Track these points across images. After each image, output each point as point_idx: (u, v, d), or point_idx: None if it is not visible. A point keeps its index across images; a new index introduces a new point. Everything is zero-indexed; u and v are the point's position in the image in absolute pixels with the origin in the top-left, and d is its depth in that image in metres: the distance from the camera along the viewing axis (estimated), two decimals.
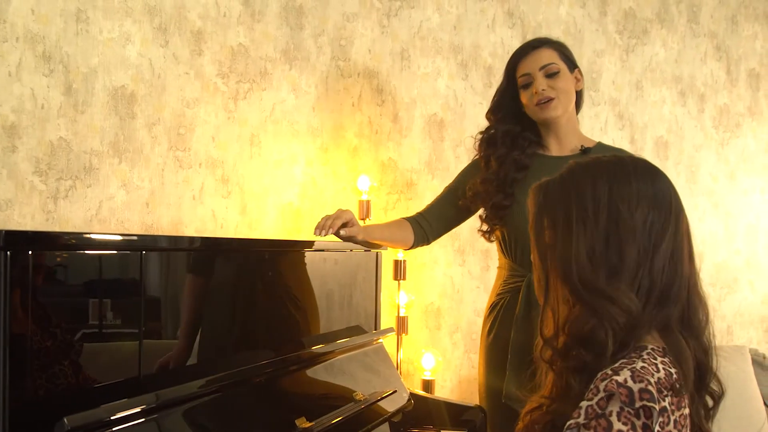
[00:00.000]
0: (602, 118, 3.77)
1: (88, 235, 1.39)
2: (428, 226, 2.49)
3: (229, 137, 2.84)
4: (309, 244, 2.18)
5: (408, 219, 2.50)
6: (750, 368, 3.64)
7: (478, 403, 2.50)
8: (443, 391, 3.33)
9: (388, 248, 2.61)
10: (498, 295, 2.44)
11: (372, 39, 3.17)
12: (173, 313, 1.59)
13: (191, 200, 2.75)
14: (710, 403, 1.37)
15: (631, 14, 3.85)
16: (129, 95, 2.63)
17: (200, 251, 1.74)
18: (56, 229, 2.47)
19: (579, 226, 1.29)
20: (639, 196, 1.30)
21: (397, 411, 2.23)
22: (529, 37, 3.47)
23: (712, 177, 4.14)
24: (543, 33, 3.55)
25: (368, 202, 2.98)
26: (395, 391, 2.23)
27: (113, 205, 2.59)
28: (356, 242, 2.30)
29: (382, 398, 2.13)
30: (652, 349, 1.25)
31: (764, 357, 3.70)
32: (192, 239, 1.78)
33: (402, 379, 2.85)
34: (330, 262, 2.26)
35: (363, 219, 2.96)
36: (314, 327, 2.12)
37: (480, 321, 3.28)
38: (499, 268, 2.52)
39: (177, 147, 2.72)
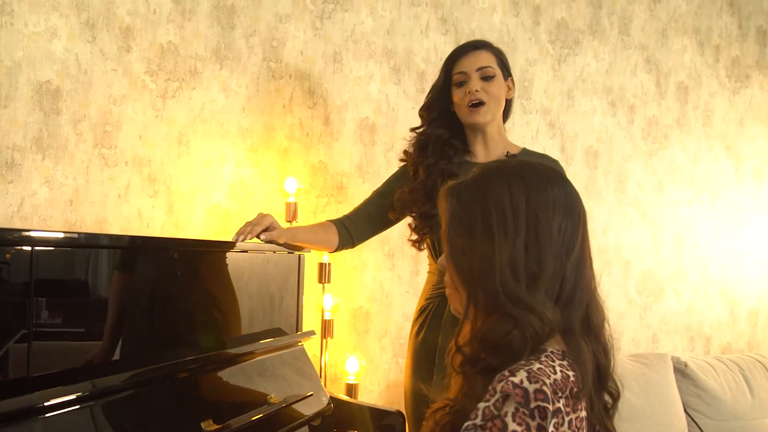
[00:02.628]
0: (533, 127, 3.81)
1: None
2: (354, 229, 2.50)
3: (156, 136, 2.80)
4: (230, 244, 2.17)
5: (334, 222, 2.51)
6: (671, 375, 3.71)
7: (403, 407, 2.51)
8: (371, 396, 3.32)
9: (312, 251, 2.61)
10: (427, 299, 2.47)
11: (304, 41, 3.16)
12: (66, 312, 1.55)
13: (116, 199, 2.72)
14: (609, 402, 1.38)
15: (563, 25, 3.90)
16: (54, 90, 2.58)
17: (116, 249, 1.72)
18: None
19: (500, 235, 1.28)
20: (554, 203, 1.30)
21: (316, 415, 2.21)
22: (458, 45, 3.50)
23: (641, 187, 4.21)
24: None
25: (295, 204, 2.97)
26: (312, 395, 2.22)
27: (35, 201, 2.55)
28: (278, 245, 2.30)
29: (298, 401, 2.11)
30: (552, 352, 1.26)
31: (686, 365, 3.77)
32: (95, 236, 1.74)
33: (326, 383, 2.84)
34: (251, 263, 2.25)
35: (290, 221, 2.95)
36: (232, 328, 2.10)
37: (408, 326, 3.29)
38: (429, 273, 2.54)
39: (103, 144, 2.68)
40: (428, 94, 2.52)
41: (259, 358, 2.14)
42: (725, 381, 3.84)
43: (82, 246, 1.61)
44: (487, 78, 2.38)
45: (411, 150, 2.50)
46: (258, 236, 2.24)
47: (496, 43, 3.46)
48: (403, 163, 2.55)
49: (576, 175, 3.92)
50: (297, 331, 2.47)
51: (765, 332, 4.78)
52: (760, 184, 4.71)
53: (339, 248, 2.49)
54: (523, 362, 1.23)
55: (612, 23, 4.08)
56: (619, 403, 1.40)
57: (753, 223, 4.68)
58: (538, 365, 1.21)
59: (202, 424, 1.66)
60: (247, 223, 2.25)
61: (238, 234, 2.21)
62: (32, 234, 1.45)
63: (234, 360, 2.03)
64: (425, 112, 2.51)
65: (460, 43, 3.45)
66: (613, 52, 4.10)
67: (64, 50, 2.60)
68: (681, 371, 3.77)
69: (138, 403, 1.61)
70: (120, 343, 1.66)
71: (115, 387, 1.55)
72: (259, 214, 2.29)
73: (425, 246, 2.49)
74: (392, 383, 3.39)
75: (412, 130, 2.53)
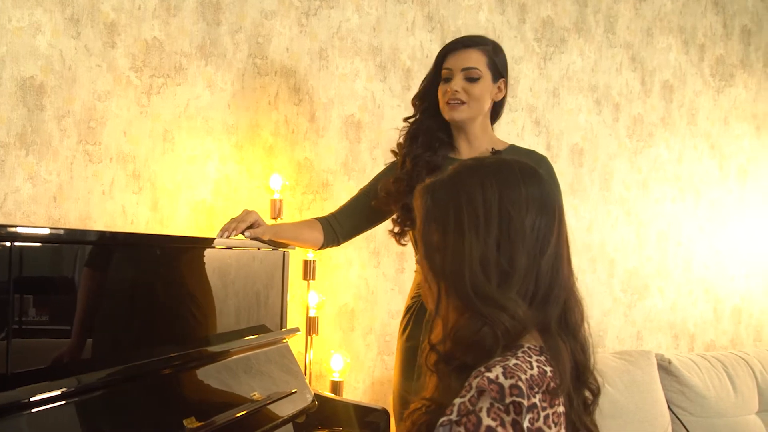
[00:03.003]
0: (519, 124, 3.82)
1: None
2: (339, 227, 2.49)
3: (141, 132, 2.79)
4: (214, 241, 2.16)
5: (319, 219, 2.50)
6: (655, 373, 3.72)
7: (389, 405, 2.51)
8: (355, 393, 3.33)
9: (297, 248, 2.60)
10: (413, 298, 2.46)
11: (290, 38, 3.15)
12: (48, 309, 1.54)
13: (101, 195, 2.71)
14: (590, 398, 1.39)
15: (549, 23, 3.91)
16: (38, 86, 2.57)
17: (99, 245, 1.71)
18: None
19: (471, 233, 1.28)
20: (528, 201, 1.30)
21: (300, 412, 2.21)
22: (448, 41, 3.50)
23: (625, 185, 4.22)
24: None
25: (280, 201, 2.96)
26: (295, 392, 2.22)
27: (19, 198, 2.53)
28: (263, 242, 2.30)
29: (281, 398, 2.11)
30: (528, 347, 1.26)
31: (669, 362, 3.78)
32: (77, 232, 1.73)
33: (311, 381, 2.84)
34: (236, 260, 2.24)
35: (275, 218, 2.94)
36: (216, 325, 2.09)
37: (393, 323, 3.30)
38: (415, 271, 2.53)
39: (87, 140, 2.67)
40: (422, 83, 2.51)
41: (243, 355, 2.14)
42: (709, 378, 3.85)
43: (64, 242, 1.60)
44: (471, 79, 2.35)
45: (403, 140, 2.49)
46: (242, 233, 2.23)
47: None
48: (391, 161, 2.55)
49: (561, 173, 3.92)
50: (281, 329, 2.46)
51: (748, 330, 4.81)
52: (743, 183, 4.74)
53: (324, 246, 2.49)
54: (499, 358, 1.23)
55: (597, 21, 4.09)
56: (599, 399, 1.40)
57: (736, 221, 4.71)
58: (514, 361, 1.22)
59: (185, 422, 1.66)
60: (232, 220, 2.24)
61: (223, 231, 2.20)
62: (11, 230, 1.44)
63: (218, 357, 2.02)
64: (418, 100, 2.49)
65: (446, 41, 3.45)
66: (598, 51, 4.11)
67: (49, 46, 2.59)
68: (665, 368, 3.78)
69: (121, 400, 1.60)
70: (103, 339, 1.65)
71: (98, 384, 1.54)
72: (244, 210, 2.28)
73: (407, 240, 2.48)
74: (377, 380, 3.39)
75: (406, 119, 2.52)
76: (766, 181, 4.86)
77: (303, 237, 2.44)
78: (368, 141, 3.35)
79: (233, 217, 2.27)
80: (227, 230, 2.19)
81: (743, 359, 4.09)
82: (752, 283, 4.80)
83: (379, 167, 2.64)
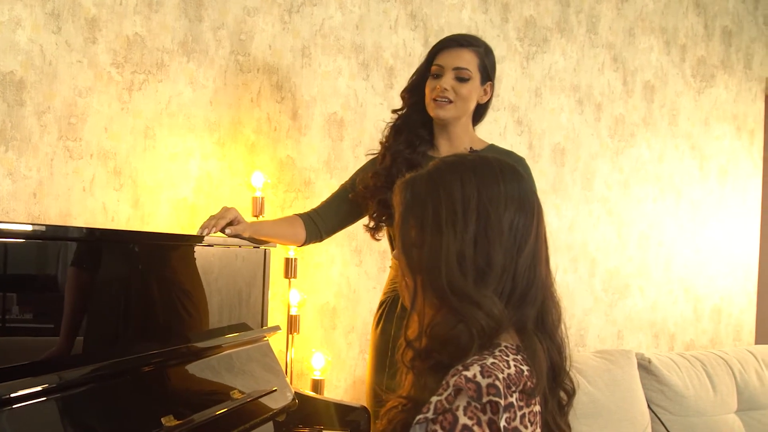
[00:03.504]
0: (501, 124, 3.83)
1: None
2: (322, 222, 2.49)
3: (122, 129, 2.78)
4: (194, 238, 2.15)
5: (301, 215, 2.50)
6: (635, 372, 3.74)
7: (365, 403, 2.51)
8: (337, 392, 3.32)
9: (278, 245, 2.60)
10: (386, 293, 2.49)
11: (273, 35, 3.14)
12: (29, 306, 1.53)
13: (81, 192, 2.69)
14: (564, 398, 1.39)
15: (531, 22, 3.92)
16: (18, 82, 2.55)
17: (80, 242, 1.70)
18: None
19: (449, 229, 1.28)
20: (507, 198, 1.30)
21: (281, 410, 2.21)
22: (432, 40, 3.49)
23: (607, 185, 4.24)
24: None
25: (262, 198, 2.96)
26: (275, 390, 2.21)
27: None
28: (243, 239, 2.29)
29: (261, 396, 2.11)
30: (505, 346, 1.26)
31: (649, 361, 3.80)
32: (58, 229, 1.72)
33: (292, 379, 2.83)
34: (218, 258, 2.23)
35: (256, 216, 2.93)
36: (195, 323, 2.08)
37: None
38: (390, 267, 2.55)
39: (67, 137, 2.65)
40: (412, 76, 2.51)
41: (224, 353, 2.13)
42: (688, 377, 3.87)
43: (45, 238, 1.59)
44: (461, 79, 2.36)
45: (388, 132, 2.49)
46: (222, 230, 2.23)
47: None
48: (372, 155, 2.55)
49: (543, 172, 3.94)
50: (262, 327, 2.46)
51: (728, 329, 4.84)
52: (723, 183, 4.77)
53: (307, 242, 2.49)
54: (476, 357, 1.23)
55: (580, 21, 4.10)
56: (574, 400, 1.40)
57: (717, 221, 4.74)
58: (491, 360, 1.22)
59: (163, 420, 1.65)
60: (211, 217, 2.23)
61: (202, 228, 2.20)
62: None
63: (198, 354, 2.02)
64: (407, 93, 2.50)
65: (429, 40, 3.46)
66: (580, 50, 4.12)
67: (29, 41, 2.57)
68: (645, 367, 3.80)
69: (100, 397, 1.59)
70: (83, 336, 1.64)
71: (77, 380, 1.53)
72: (223, 207, 2.28)
73: (381, 235, 2.49)
74: (358, 379, 3.39)
75: (394, 111, 2.52)
76: (746, 181, 4.90)
77: (283, 233, 2.44)
78: (351, 139, 3.35)
79: (213, 214, 2.27)
80: (206, 227, 2.19)
81: (722, 359, 4.11)
82: (732, 282, 4.84)
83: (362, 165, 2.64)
